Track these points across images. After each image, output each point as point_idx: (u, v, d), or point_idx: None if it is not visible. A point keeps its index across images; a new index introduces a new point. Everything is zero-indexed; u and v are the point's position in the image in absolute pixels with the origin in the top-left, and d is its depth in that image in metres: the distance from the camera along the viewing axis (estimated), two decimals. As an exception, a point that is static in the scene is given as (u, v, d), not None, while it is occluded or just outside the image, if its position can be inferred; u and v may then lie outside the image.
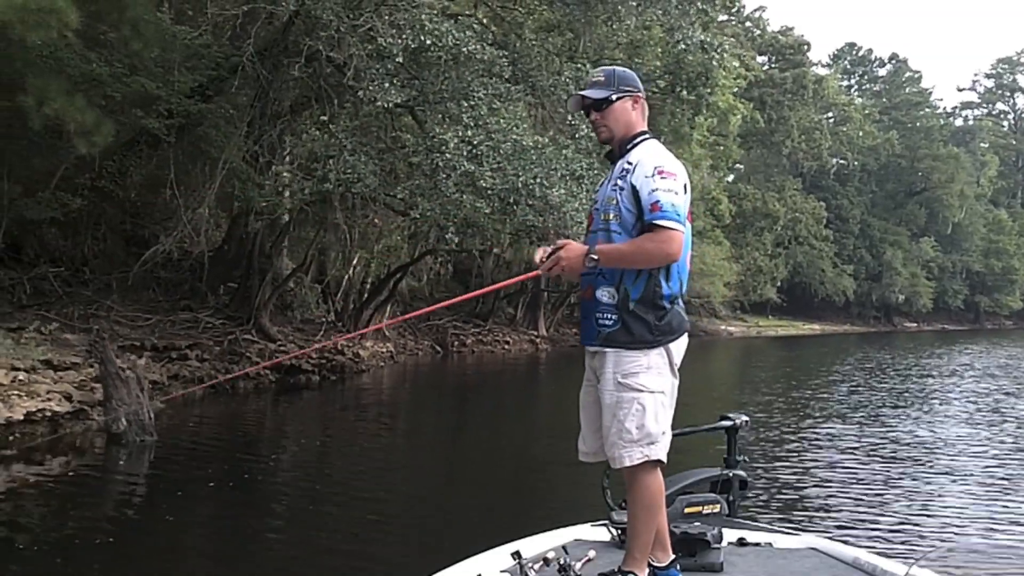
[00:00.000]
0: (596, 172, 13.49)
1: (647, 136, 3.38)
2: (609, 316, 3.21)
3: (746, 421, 4.26)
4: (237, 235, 18.61)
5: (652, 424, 3.15)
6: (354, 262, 23.74)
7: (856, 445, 12.61)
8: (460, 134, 12.58)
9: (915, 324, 74.80)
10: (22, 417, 10.43)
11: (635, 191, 3.19)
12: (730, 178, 54.68)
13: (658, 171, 3.18)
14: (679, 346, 3.24)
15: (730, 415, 4.23)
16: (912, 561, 3.37)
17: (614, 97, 3.37)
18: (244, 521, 7.97)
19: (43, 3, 11.32)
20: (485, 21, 16.80)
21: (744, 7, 52.26)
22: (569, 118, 15.07)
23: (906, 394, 19.78)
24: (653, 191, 3.15)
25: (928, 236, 71.62)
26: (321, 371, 18.94)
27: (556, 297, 36.62)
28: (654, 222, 3.13)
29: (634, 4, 14.90)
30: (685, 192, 3.22)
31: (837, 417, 15.66)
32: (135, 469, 10.16)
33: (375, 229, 21.92)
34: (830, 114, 67.24)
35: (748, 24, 55.02)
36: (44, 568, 6.33)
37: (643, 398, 3.16)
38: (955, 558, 6.90)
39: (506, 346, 32.20)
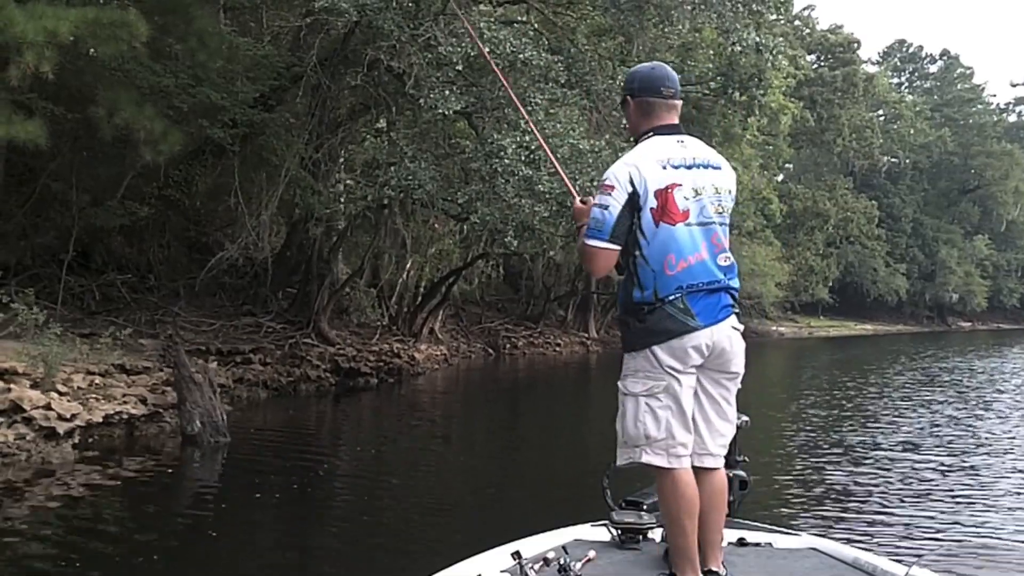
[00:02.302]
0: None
1: (642, 139, 3.32)
2: None
3: (746, 421, 4.12)
4: (296, 241, 18.97)
5: (632, 427, 3.17)
6: (407, 266, 24.01)
7: (858, 445, 12.62)
8: (518, 139, 12.73)
9: (969, 323, 73.67)
10: (101, 420, 10.79)
11: None
12: (779, 178, 54.28)
13: (599, 185, 3.22)
14: (675, 346, 3.13)
15: None
16: (912, 561, 3.36)
17: (628, 98, 3.40)
18: (309, 519, 8.29)
19: (115, 18, 11.71)
20: (537, 26, 16.95)
21: (793, 5, 51.91)
22: (623, 121, 15.15)
23: (924, 396, 19.55)
24: (593, 206, 3.22)
25: (982, 234, 70.43)
26: (379, 374, 19.23)
27: (606, 299, 36.67)
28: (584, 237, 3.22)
29: (688, 8, 14.96)
30: (640, 193, 3.13)
31: (845, 418, 15.60)
32: (210, 468, 10.52)
33: (429, 234, 22.19)
34: (881, 112, 66.37)
35: (797, 23, 54.62)
36: (130, 563, 6.58)
37: (626, 401, 3.20)
38: (955, 558, 6.89)
39: (557, 348, 32.29)
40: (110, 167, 15.27)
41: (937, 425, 14.73)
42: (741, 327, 3.29)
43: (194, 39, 13.67)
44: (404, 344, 21.91)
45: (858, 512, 8.58)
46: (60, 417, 10.15)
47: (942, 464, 11.19)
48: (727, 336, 3.21)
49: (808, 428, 14.29)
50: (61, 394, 10.64)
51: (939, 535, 7.76)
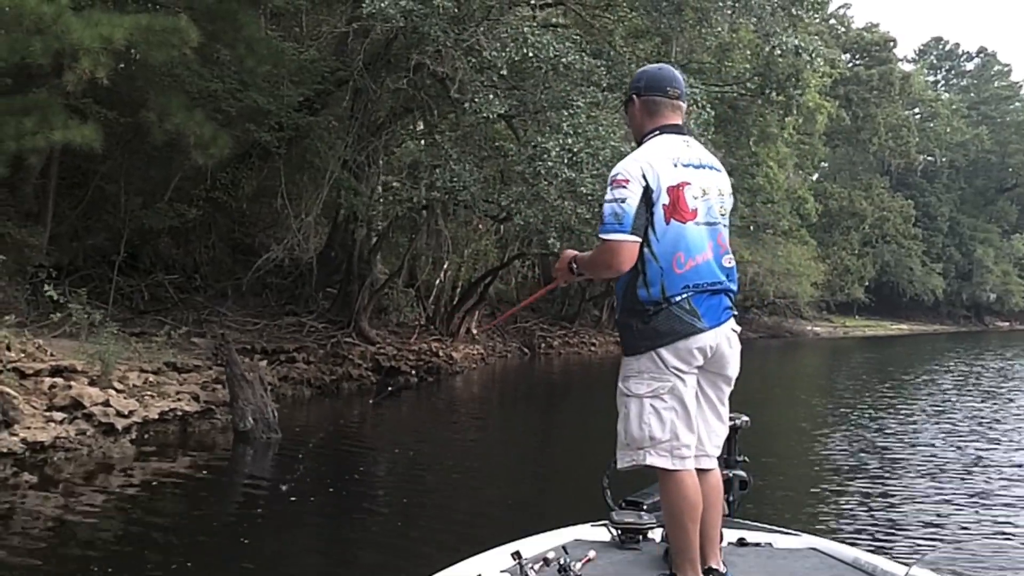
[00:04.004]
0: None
1: (647, 137, 3.30)
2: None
3: (746, 421, 4.20)
4: (338, 242, 19.25)
5: (636, 429, 3.14)
6: (444, 267, 24.23)
7: (862, 445, 12.62)
8: (561, 142, 12.87)
9: (1007, 323, 72.98)
10: (156, 416, 11.11)
11: None
12: (815, 177, 54.09)
13: (610, 181, 3.16)
14: (680, 348, 3.13)
15: (731, 415, 4.01)
16: (912, 561, 3.37)
17: (635, 97, 3.38)
18: (346, 519, 8.46)
19: (167, 24, 12.00)
20: (572, 27, 17.07)
21: (828, 4, 51.71)
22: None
23: (938, 397, 19.42)
24: (603, 203, 3.17)
25: (1020, 233, 69.80)
26: (419, 372, 19.51)
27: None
28: (598, 235, 3.19)
29: (728, 12, 15.05)
30: (653, 189, 3.11)
31: (854, 418, 15.54)
32: (264, 464, 10.76)
33: (467, 234, 22.41)
34: (917, 110, 65.95)
35: (832, 22, 54.40)
36: (187, 555, 6.76)
37: (629, 403, 3.18)
38: (955, 559, 6.92)
39: (592, 348, 32.35)
40: (160, 170, 15.62)
41: (944, 426, 14.69)
42: (739, 329, 3.32)
43: (242, 45, 13.91)
44: (442, 343, 22.17)
45: (858, 512, 8.60)
46: (118, 413, 10.46)
47: (944, 464, 11.18)
48: (727, 338, 3.23)
49: (815, 428, 14.29)
50: (118, 391, 10.96)
51: (939, 535, 7.78)
